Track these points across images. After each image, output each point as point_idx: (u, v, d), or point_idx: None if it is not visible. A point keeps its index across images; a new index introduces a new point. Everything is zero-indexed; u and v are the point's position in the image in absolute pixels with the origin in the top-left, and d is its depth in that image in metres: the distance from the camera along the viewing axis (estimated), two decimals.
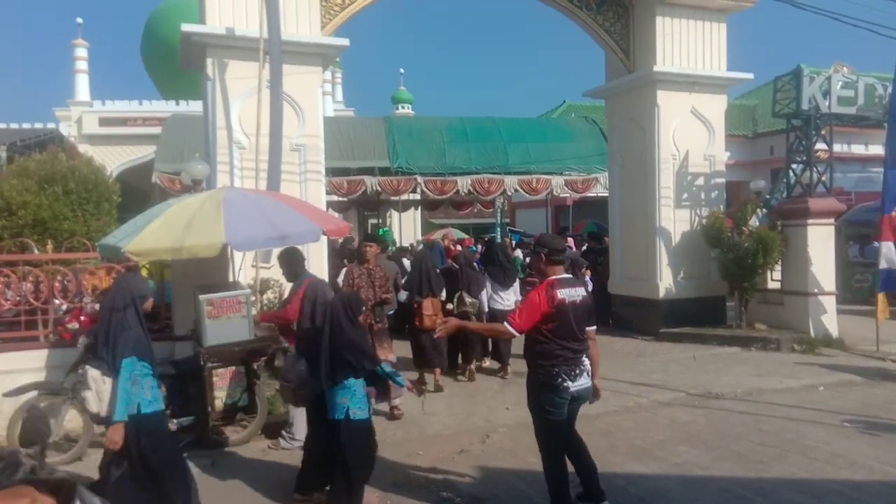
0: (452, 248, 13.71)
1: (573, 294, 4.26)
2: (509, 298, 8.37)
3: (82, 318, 6.97)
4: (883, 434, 6.00)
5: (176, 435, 4.32)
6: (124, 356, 3.77)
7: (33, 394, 5.66)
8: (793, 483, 4.93)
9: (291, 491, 4.72)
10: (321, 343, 4.16)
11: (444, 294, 8.13)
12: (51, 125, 20.74)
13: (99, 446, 4.80)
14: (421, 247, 13.99)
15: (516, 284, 8.67)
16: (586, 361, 4.31)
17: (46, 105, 44.46)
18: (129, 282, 4.18)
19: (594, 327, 4.46)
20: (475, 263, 9.21)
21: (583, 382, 4.25)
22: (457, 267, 8.64)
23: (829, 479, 5.00)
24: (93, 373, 3.82)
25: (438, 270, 8.26)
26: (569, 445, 4.40)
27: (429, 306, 7.57)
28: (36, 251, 7.85)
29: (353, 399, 4.13)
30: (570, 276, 4.52)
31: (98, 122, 20.74)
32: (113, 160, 19.90)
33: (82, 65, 21.72)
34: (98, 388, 3.79)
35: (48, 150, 10.64)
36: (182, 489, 4.01)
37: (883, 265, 9.58)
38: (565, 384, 4.14)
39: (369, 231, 22.55)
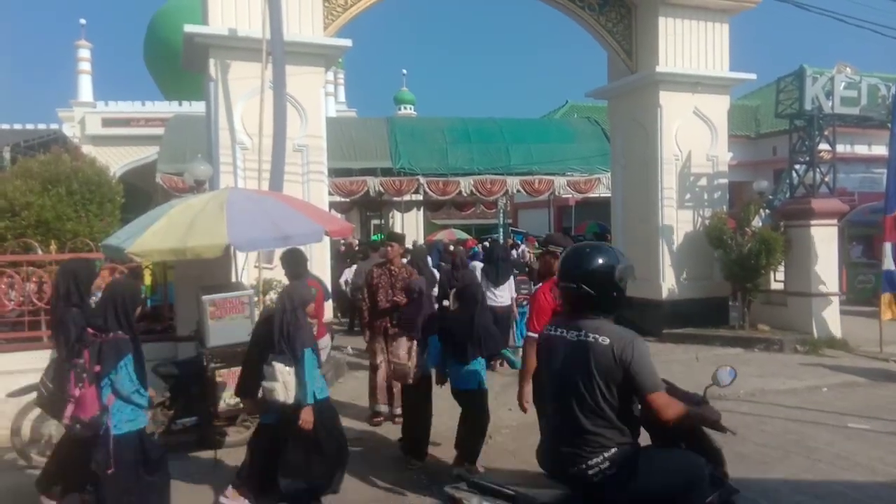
0: (452, 248, 13.85)
1: None
2: (503, 295, 8.73)
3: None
4: (886, 435, 5.99)
5: (336, 413, 4.79)
6: (305, 347, 4.33)
7: (33, 395, 5.67)
8: (796, 484, 4.92)
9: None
10: (452, 327, 5.16)
11: (435, 290, 8.41)
12: (54, 126, 20.80)
13: None
14: (415, 246, 14.05)
15: (510, 282, 8.89)
16: None
17: (50, 106, 44.57)
18: (298, 289, 4.72)
19: None
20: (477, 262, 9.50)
21: None
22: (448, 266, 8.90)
23: (831, 480, 4.99)
24: (279, 367, 4.23)
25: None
26: None
27: None
28: (39, 252, 7.86)
29: (483, 373, 5.13)
30: None
31: (101, 122, 20.80)
32: (116, 161, 19.95)
33: (85, 65, 21.78)
34: (284, 379, 4.22)
35: (51, 150, 10.65)
36: (340, 461, 4.62)
37: (887, 266, 9.56)
38: None
39: (372, 232, 22.57)
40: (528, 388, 4.27)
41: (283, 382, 4.22)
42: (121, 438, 3.83)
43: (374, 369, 6.65)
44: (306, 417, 4.29)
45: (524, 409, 4.29)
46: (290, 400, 4.25)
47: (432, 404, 5.52)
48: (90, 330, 3.89)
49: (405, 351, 5.28)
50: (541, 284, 4.73)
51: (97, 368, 3.76)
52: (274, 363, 4.24)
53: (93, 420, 3.72)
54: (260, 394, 4.41)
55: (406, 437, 5.55)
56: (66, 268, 4.74)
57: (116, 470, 3.77)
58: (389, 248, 6.82)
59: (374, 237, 19.49)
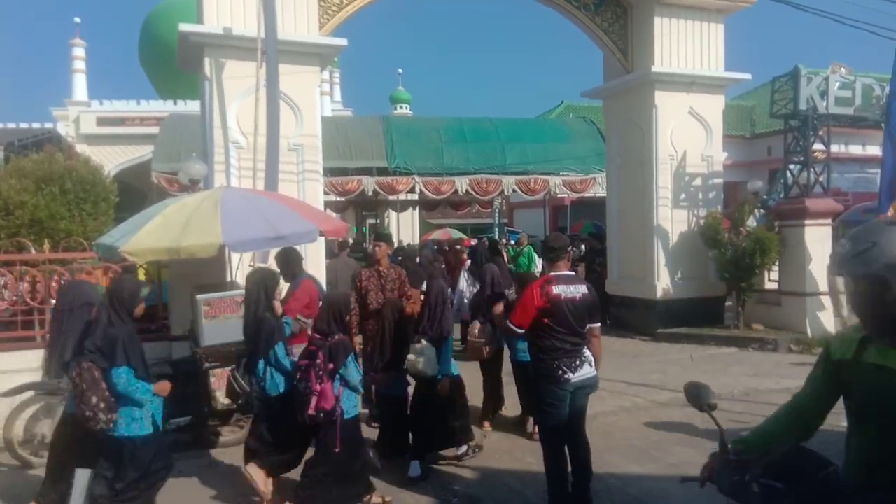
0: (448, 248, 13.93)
1: (571, 290, 4.34)
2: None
3: None
4: None
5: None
6: (449, 332, 5.41)
7: (30, 394, 5.65)
8: None
9: (291, 489, 4.68)
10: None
11: (424, 285, 8.57)
12: (48, 125, 20.73)
13: None
14: (408, 247, 14.10)
15: None
16: (587, 353, 4.39)
17: (44, 105, 44.43)
18: (441, 284, 5.64)
19: (598, 324, 4.52)
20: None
21: (585, 372, 4.32)
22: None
23: None
24: (426, 344, 5.24)
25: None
26: (574, 443, 4.43)
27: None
28: (33, 251, 7.83)
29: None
30: (571, 273, 4.55)
31: (96, 121, 20.71)
32: (110, 160, 19.88)
33: (80, 64, 21.69)
34: (428, 354, 5.20)
35: (45, 149, 10.62)
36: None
37: None
38: (566, 376, 4.23)
39: (370, 231, 22.56)
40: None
41: (427, 357, 5.18)
42: (348, 422, 4.48)
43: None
44: (445, 385, 5.24)
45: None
46: (432, 372, 5.21)
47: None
48: (317, 335, 4.59)
49: (478, 331, 6.17)
50: (535, 280, 4.70)
51: (331, 366, 4.40)
52: (424, 342, 5.23)
53: (332, 409, 4.36)
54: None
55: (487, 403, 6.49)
56: (256, 277, 5.36)
57: (342, 448, 4.38)
58: (377, 248, 6.74)
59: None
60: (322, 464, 4.50)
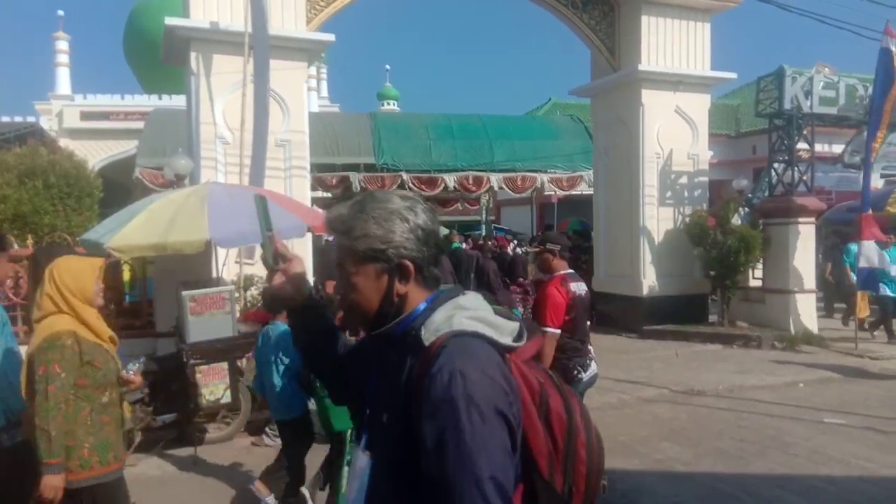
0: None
1: (580, 288, 4.39)
2: None
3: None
4: (860, 430, 6.09)
5: None
6: None
7: None
8: (773, 478, 4.99)
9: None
10: None
11: None
12: (31, 119, 20.42)
13: None
14: None
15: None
16: (591, 349, 4.44)
17: (26, 98, 43.85)
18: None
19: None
20: None
21: (592, 370, 4.38)
22: None
23: (808, 474, 5.07)
24: None
25: None
26: None
27: None
28: (16, 246, 7.74)
29: None
30: (572, 270, 4.56)
31: (79, 115, 20.46)
32: (94, 155, 19.66)
33: (63, 58, 21.42)
34: None
35: (28, 143, 10.50)
36: None
37: (862, 264, 9.72)
38: (580, 376, 4.27)
39: None
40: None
41: None
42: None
43: None
44: None
45: None
46: None
47: None
48: None
49: None
50: (550, 279, 4.53)
51: None
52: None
53: None
54: None
55: None
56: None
57: None
58: None
59: None
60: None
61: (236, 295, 6.30)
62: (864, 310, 10.72)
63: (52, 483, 2.70)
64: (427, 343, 1.26)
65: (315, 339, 1.65)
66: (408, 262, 1.35)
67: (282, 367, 4.34)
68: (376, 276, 1.36)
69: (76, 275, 2.89)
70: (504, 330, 1.33)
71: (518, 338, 1.35)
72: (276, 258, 1.54)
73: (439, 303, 1.35)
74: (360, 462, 1.38)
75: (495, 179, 15.52)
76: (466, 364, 1.20)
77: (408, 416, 1.24)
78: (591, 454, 1.41)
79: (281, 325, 4.33)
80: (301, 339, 1.68)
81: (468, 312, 1.31)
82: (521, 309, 6.79)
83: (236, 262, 7.54)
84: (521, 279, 7.60)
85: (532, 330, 1.44)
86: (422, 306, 1.35)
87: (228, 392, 5.94)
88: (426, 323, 1.30)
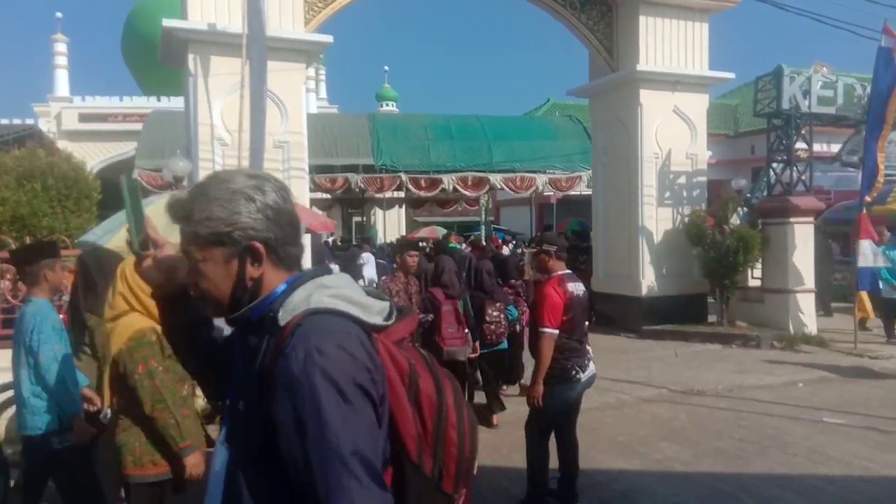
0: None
1: (577, 288, 4.40)
2: None
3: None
4: (860, 430, 6.09)
5: None
6: None
7: (9, 393, 5.57)
8: (773, 478, 4.98)
9: None
10: None
11: None
12: (29, 121, 20.45)
13: None
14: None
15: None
16: (590, 349, 4.44)
17: (25, 100, 43.82)
18: None
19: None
20: None
21: (590, 370, 4.37)
22: None
23: (807, 474, 5.06)
24: None
25: None
26: (566, 440, 4.46)
27: None
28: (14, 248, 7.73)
29: None
30: (570, 271, 4.56)
31: (78, 118, 20.49)
32: (93, 157, 19.68)
33: (62, 60, 21.45)
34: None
35: (27, 146, 10.50)
36: None
37: (861, 264, 9.72)
38: (578, 376, 4.27)
39: (353, 230, 22.45)
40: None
41: None
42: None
43: None
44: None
45: (539, 404, 4.26)
46: None
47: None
48: None
49: (498, 311, 6.26)
50: (548, 280, 4.49)
51: None
52: None
53: None
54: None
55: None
56: None
57: None
58: (410, 258, 6.01)
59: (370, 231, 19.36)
60: None
61: None
62: (866, 311, 10.69)
63: (193, 462, 2.85)
64: (283, 323, 1.20)
65: (187, 330, 1.55)
66: (257, 244, 1.26)
67: None
68: (224, 260, 1.28)
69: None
70: (371, 309, 1.27)
71: (388, 317, 1.30)
72: (144, 244, 1.45)
73: (300, 283, 1.27)
74: (219, 455, 1.30)
75: (494, 180, 15.54)
76: (323, 340, 1.14)
77: (262, 400, 1.17)
78: (463, 436, 1.34)
79: None
80: (171, 329, 1.58)
81: (329, 291, 1.24)
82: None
83: None
84: (512, 280, 7.56)
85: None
86: (281, 288, 1.28)
87: None
88: (284, 303, 1.24)
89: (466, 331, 5.80)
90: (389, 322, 1.30)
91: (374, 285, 9.57)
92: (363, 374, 1.15)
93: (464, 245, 13.85)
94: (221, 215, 1.27)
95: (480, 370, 6.44)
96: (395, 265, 8.33)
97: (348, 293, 1.26)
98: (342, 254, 13.74)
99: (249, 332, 1.30)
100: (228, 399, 1.34)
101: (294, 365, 1.12)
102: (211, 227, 1.27)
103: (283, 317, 1.21)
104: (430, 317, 5.69)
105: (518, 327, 6.77)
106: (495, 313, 6.28)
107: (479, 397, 6.49)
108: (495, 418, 6.30)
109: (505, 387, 7.18)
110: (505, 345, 6.50)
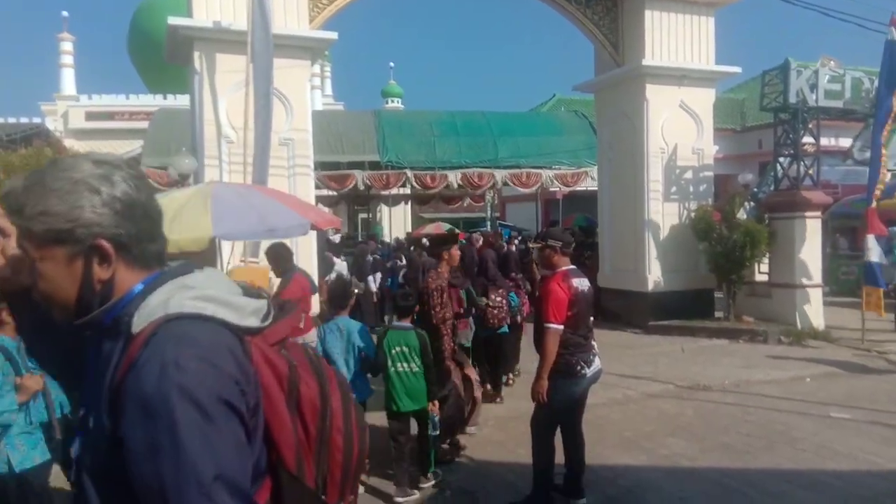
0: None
1: (582, 284, 4.39)
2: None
3: None
4: (867, 424, 6.06)
5: None
6: None
7: None
8: (780, 473, 4.97)
9: None
10: None
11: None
12: (36, 119, 20.55)
13: None
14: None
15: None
16: (595, 344, 4.44)
17: (32, 99, 44.00)
18: None
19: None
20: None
21: (595, 366, 4.38)
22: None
23: (815, 469, 5.05)
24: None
25: None
26: (572, 436, 4.46)
27: None
28: None
29: None
30: (574, 266, 4.55)
31: (84, 116, 20.59)
32: None
33: (68, 59, 21.54)
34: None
35: (33, 144, 10.55)
36: None
37: (869, 258, 9.66)
38: (583, 371, 4.27)
39: (359, 226, 22.48)
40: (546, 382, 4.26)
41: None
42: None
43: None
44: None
45: (544, 400, 4.26)
46: None
47: None
48: None
49: (500, 297, 6.55)
50: (552, 275, 4.44)
51: None
52: None
53: None
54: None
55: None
56: None
57: None
58: (448, 254, 5.70)
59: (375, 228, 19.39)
60: None
61: None
62: (876, 307, 10.58)
63: None
64: (136, 332, 1.06)
65: (41, 329, 1.35)
66: (104, 243, 1.10)
67: (352, 360, 4.67)
68: (67, 260, 1.11)
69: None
70: (244, 310, 1.15)
71: (264, 318, 1.18)
72: None
73: (159, 283, 1.12)
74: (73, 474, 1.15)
75: (500, 176, 15.51)
76: (181, 353, 1.01)
77: (111, 418, 1.04)
78: (350, 441, 1.26)
79: (348, 319, 4.83)
80: (25, 327, 1.39)
81: (192, 292, 1.10)
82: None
83: (241, 261, 7.56)
84: (512, 273, 7.76)
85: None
86: (137, 288, 1.13)
87: None
88: (140, 307, 1.09)
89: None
90: (266, 323, 1.18)
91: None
92: (230, 388, 1.03)
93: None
94: (60, 210, 1.10)
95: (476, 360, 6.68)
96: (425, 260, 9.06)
97: (215, 293, 1.13)
98: (352, 251, 13.77)
99: (104, 337, 1.14)
100: (81, 410, 1.17)
101: (147, 381, 0.99)
102: (47, 223, 1.10)
103: (138, 323, 1.07)
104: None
105: (519, 317, 7.00)
106: (498, 298, 6.60)
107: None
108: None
109: (509, 380, 7.46)
110: (506, 329, 6.79)
